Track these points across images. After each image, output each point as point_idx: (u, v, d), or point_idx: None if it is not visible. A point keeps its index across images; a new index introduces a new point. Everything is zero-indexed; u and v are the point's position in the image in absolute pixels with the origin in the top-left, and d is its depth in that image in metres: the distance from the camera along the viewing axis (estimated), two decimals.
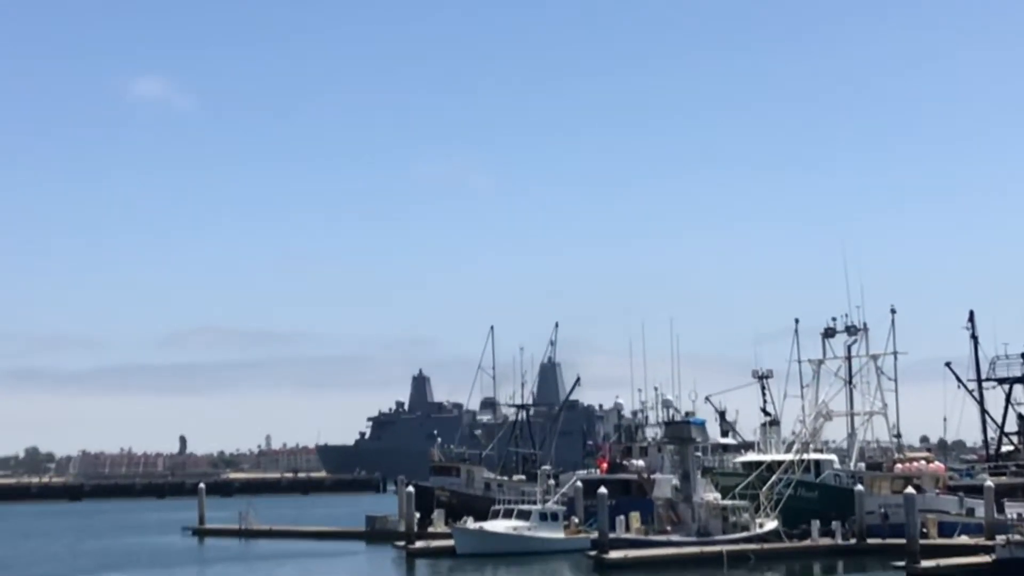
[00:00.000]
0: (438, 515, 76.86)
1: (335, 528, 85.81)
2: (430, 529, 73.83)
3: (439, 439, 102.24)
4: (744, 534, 63.49)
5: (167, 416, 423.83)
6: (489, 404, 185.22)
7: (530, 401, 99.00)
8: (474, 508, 74.13)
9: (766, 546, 62.31)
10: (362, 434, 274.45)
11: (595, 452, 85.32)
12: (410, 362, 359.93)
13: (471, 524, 67.28)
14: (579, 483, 73.27)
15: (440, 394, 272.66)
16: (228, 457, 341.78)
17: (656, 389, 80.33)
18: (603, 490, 62.66)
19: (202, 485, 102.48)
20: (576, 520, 69.82)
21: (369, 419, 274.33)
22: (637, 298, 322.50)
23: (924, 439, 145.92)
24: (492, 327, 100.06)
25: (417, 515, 71.19)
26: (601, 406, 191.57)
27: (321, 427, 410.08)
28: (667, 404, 77.78)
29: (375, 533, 78.25)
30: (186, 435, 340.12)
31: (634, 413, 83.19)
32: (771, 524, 64.75)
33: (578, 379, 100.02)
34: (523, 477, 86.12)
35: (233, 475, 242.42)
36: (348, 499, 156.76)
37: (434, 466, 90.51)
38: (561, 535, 67.04)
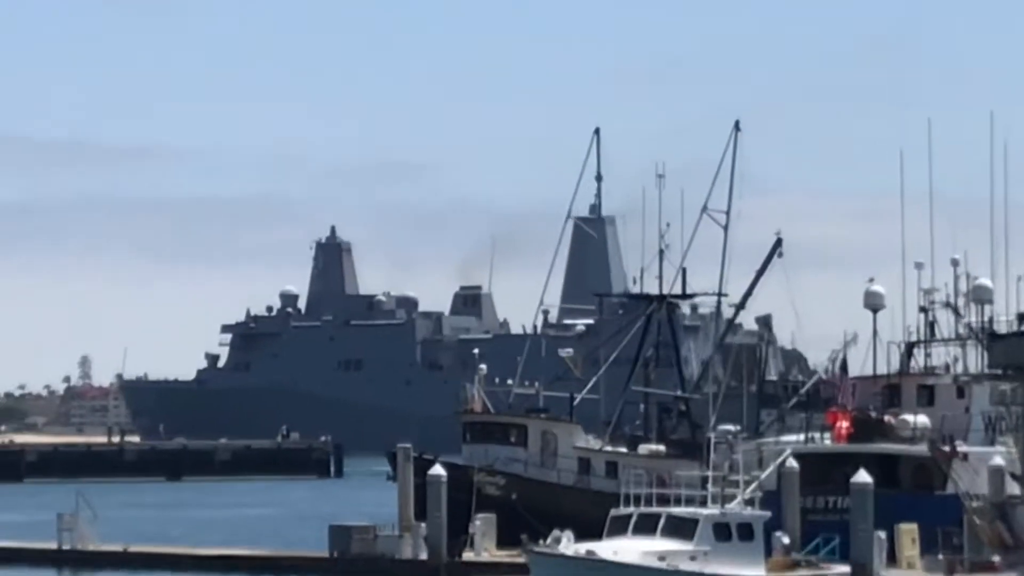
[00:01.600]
0: (484, 525, 49.12)
1: (257, 550, 54.04)
2: (466, 555, 48.35)
3: (480, 379, 61.29)
4: None
5: None
6: (472, 298, 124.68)
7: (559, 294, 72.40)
8: (562, 510, 49.68)
9: None
10: (212, 359, 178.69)
11: (828, 398, 52.46)
12: (328, 214, 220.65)
13: (567, 544, 41.86)
14: (791, 462, 46.03)
15: (372, 281, 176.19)
16: (6, 402, 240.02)
17: (955, 263, 48.47)
18: (865, 476, 41.72)
19: None
20: (787, 540, 45.46)
21: (225, 328, 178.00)
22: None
23: None
24: (598, 129, 70.69)
25: None
26: (694, 308, 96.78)
27: (130, 344, 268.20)
28: (982, 295, 48.02)
29: (350, 560, 49.73)
30: None
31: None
32: None
33: (779, 240, 60.12)
34: (660, 448, 55.88)
35: (22, 439, 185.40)
36: (259, 487, 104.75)
37: (470, 421, 57.02)
38: (762, 571, 43.54)
